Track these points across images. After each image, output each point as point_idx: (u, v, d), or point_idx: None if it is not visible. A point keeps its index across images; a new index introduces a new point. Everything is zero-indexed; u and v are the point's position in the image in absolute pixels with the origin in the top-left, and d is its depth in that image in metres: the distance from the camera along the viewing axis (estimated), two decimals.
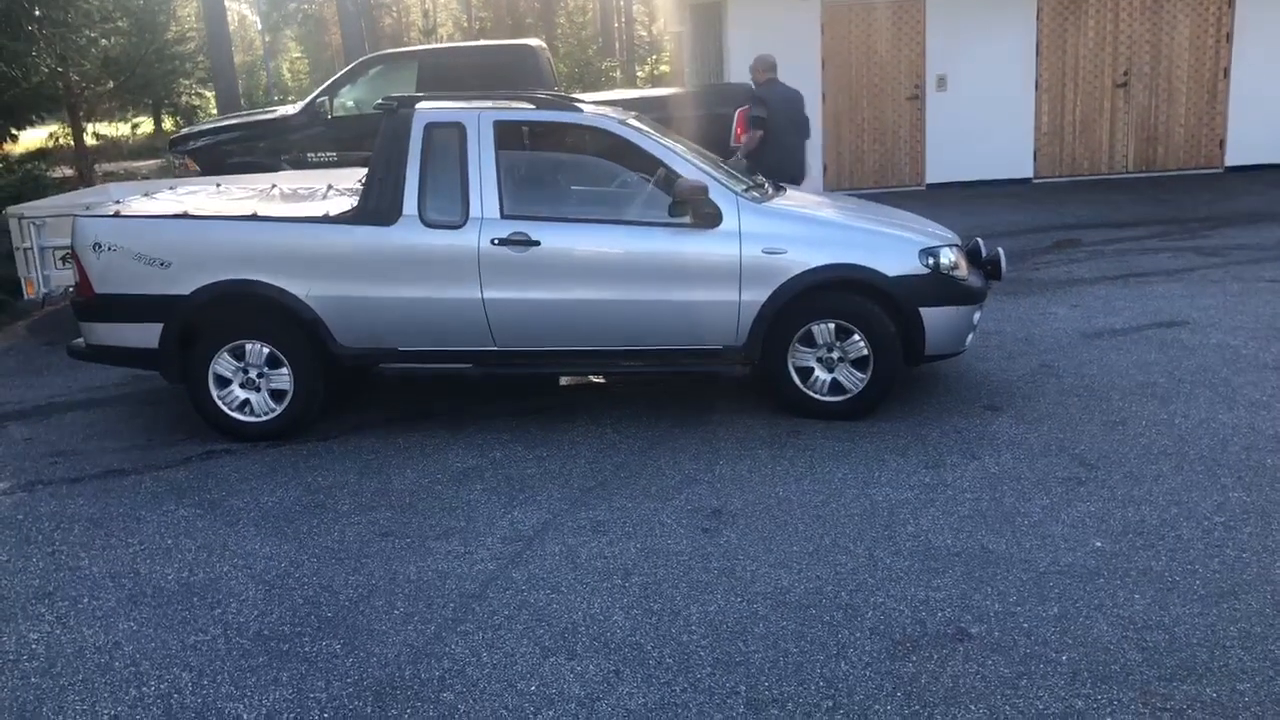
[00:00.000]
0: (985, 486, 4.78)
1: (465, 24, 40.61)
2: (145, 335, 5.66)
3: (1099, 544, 4.19)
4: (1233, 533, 4.23)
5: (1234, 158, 13.56)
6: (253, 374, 5.70)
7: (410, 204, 5.54)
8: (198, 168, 10.96)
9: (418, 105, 5.73)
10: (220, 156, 10.97)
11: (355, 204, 5.77)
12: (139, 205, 6.32)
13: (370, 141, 10.61)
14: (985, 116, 13.56)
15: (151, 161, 21.54)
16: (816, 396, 5.63)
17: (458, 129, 5.59)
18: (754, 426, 5.64)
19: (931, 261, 5.55)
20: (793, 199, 6.10)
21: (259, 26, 40.39)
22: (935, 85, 13.62)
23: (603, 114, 5.89)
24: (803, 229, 5.59)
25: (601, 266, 5.52)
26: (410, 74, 11.33)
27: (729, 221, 5.47)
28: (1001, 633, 3.60)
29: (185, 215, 5.83)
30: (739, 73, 13.24)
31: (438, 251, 5.51)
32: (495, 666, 3.54)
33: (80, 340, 5.95)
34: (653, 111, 10.75)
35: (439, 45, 13.81)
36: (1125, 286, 8.28)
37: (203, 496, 5.09)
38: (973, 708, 3.21)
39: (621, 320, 5.53)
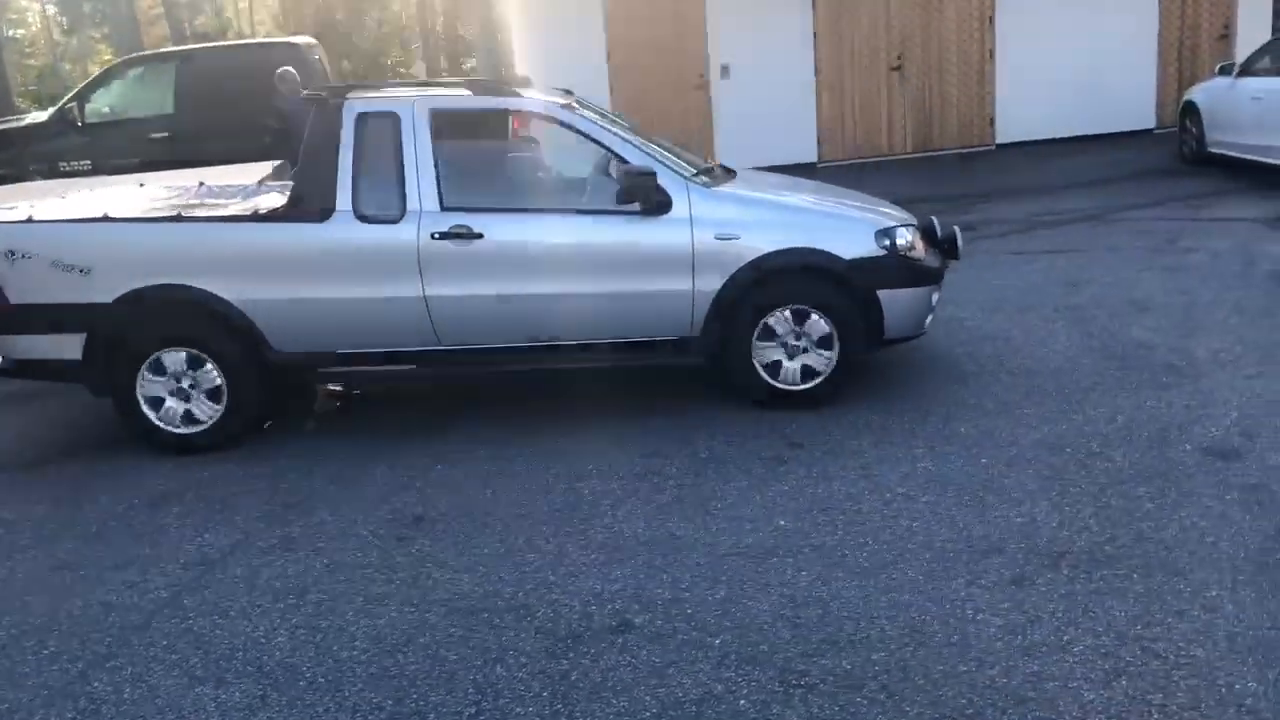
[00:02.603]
0: (690, 472, 4.81)
1: (283, 23, 39.34)
2: (67, 347, 5.30)
3: (782, 522, 4.26)
4: (910, 502, 4.36)
5: (1004, 135, 14.18)
6: (183, 383, 5.37)
7: (344, 199, 5.24)
8: None
9: (348, 95, 5.44)
10: None
11: (285, 201, 5.48)
12: (53, 208, 5.85)
13: (130, 147, 10.28)
14: (769, 103, 13.82)
15: None
16: (780, 384, 5.46)
17: (391, 119, 5.31)
18: (479, 429, 5.55)
19: (888, 243, 5.40)
20: (745, 182, 5.91)
21: (65, 27, 38.15)
22: (719, 74, 13.81)
23: (543, 99, 5.65)
24: (755, 213, 5.42)
25: (548, 258, 5.30)
26: (169, 77, 10.84)
27: (679, 207, 5.28)
28: (664, 621, 3.61)
29: (105, 218, 5.46)
30: (528, 68, 13.17)
31: (374, 248, 5.23)
32: (134, 702, 3.36)
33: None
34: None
35: (199, 46, 13.23)
36: None
37: None
38: (614, 701, 3.20)
39: (571, 313, 5.32)
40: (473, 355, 5.42)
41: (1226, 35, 14.18)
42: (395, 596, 3.91)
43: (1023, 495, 4.34)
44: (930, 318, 5.72)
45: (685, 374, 5.91)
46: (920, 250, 5.56)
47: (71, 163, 10.29)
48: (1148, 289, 7.22)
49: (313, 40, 11.76)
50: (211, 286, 5.23)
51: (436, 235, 5.22)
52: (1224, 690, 3.03)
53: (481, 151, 5.99)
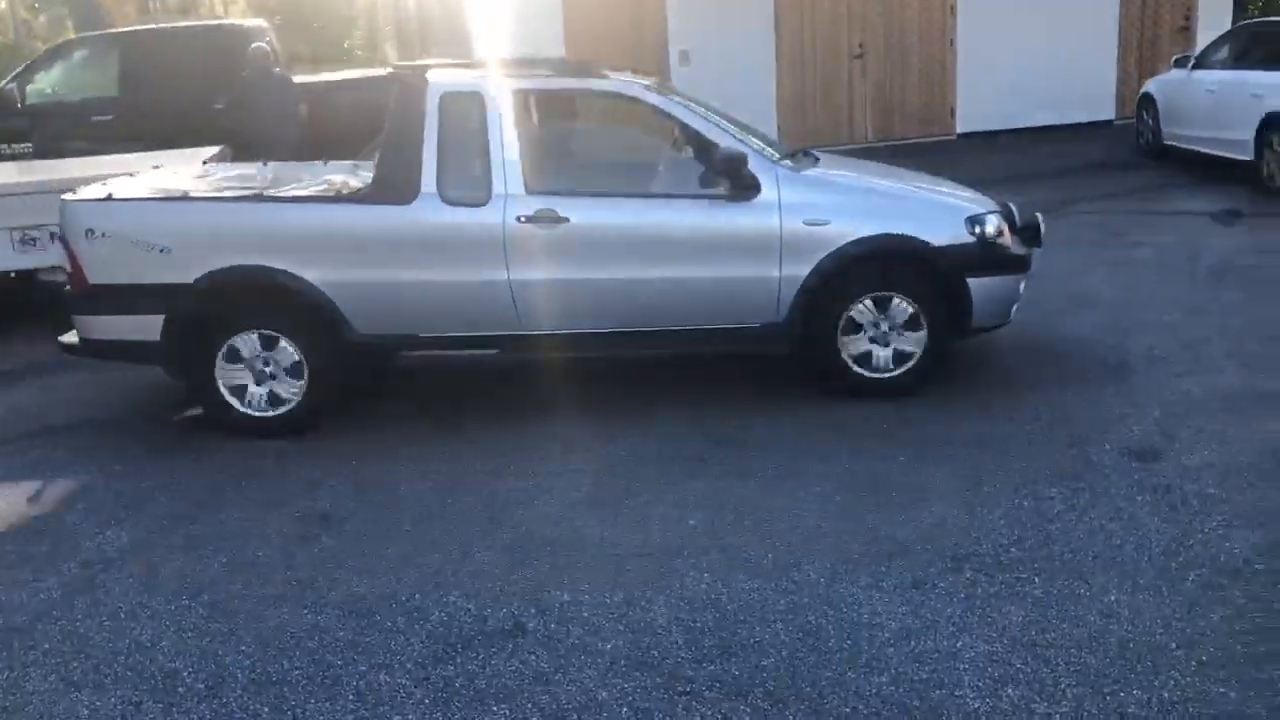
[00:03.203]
0: (608, 471, 4.75)
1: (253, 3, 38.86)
2: (145, 327, 5.18)
3: (693, 523, 4.20)
4: (825, 501, 4.31)
5: (964, 125, 14.15)
6: (262, 366, 5.26)
7: (429, 181, 5.13)
8: None
9: (429, 74, 5.31)
10: None
11: (368, 182, 5.39)
12: (129, 186, 5.70)
13: (72, 129, 10.08)
14: (729, 91, 13.57)
15: None
16: (867, 373, 5.33)
17: (476, 99, 5.21)
18: (403, 425, 5.47)
19: (978, 230, 5.27)
20: (830, 166, 5.79)
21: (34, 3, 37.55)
22: (679, 60, 13.70)
23: (629, 80, 5.54)
24: (845, 199, 5.31)
25: (634, 243, 5.20)
26: (113, 59, 10.64)
27: (768, 192, 5.16)
28: (558, 624, 3.54)
29: (186, 197, 5.39)
30: (485, 54, 13.02)
31: (460, 231, 5.14)
32: (4, 710, 3.26)
33: (71, 334, 5.45)
34: (357, 91, 10.50)
35: (146, 28, 13.00)
36: None
37: None
38: (496, 708, 3.13)
39: (654, 299, 5.22)
40: (555, 340, 5.35)
41: (1187, 27, 14.20)
42: (290, 598, 3.82)
43: (936, 495, 4.30)
44: (1016, 307, 5.57)
45: (631, 369, 5.85)
46: (1007, 237, 5.42)
47: (11, 145, 10.08)
48: (1090, 284, 7.20)
49: (263, 23, 11.56)
50: (294, 267, 5.13)
51: (523, 219, 5.11)
52: (1108, 699, 3.00)
53: (564, 133, 5.91)
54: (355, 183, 5.69)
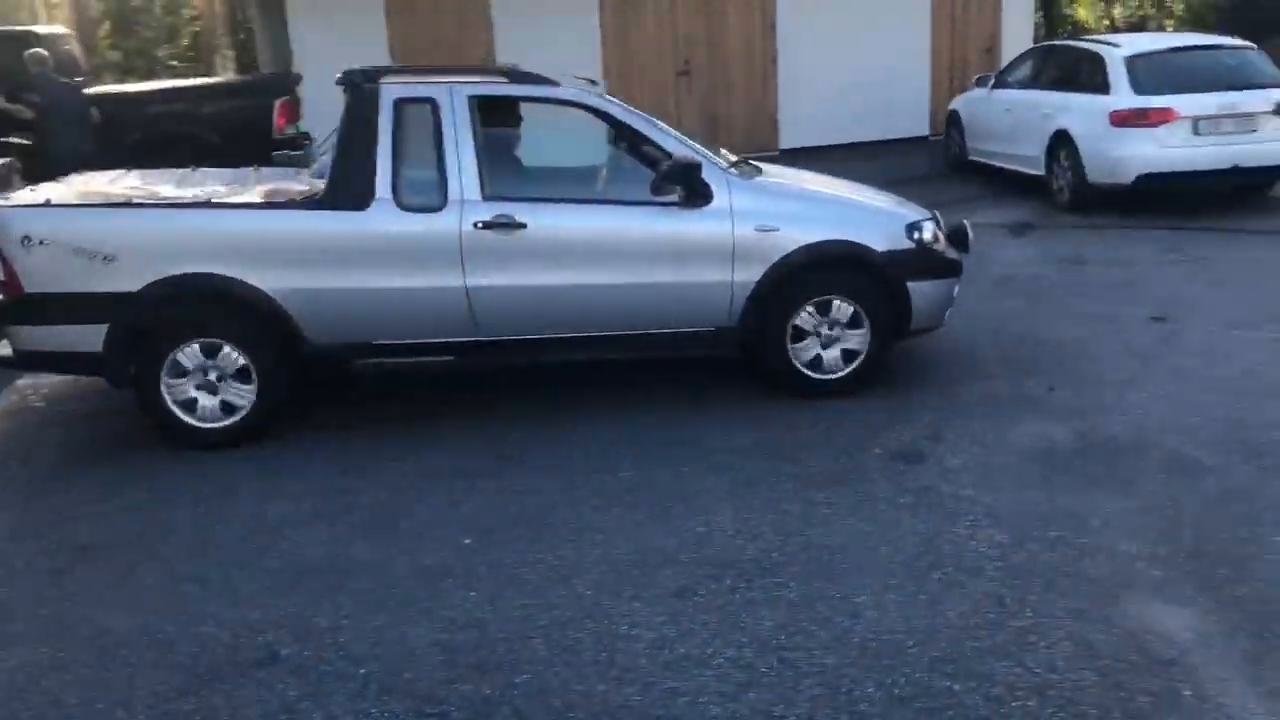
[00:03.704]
0: (388, 489, 4.67)
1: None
2: (87, 337, 4.97)
3: (468, 541, 4.17)
4: (601, 513, 4.34)
5: (787, 141, 14.52)
6: (212, 375, 5.08)
7: (383, 186, 5.07)
8: None
9: (382, 79, 5.25)
10: None
11: (321, 188, 5.27)
12: (69, 192, 5.51)
13: None
14: None
15: None
16: (814, 375, 5.48)
17: (430, 104, 5.17)
18: (174, 448, 5.27)
19: (916, 236, 5.46)
20: (776, 176, 5.90)
21: None
22: None
23: (582, 88, 5.59)
24: (793, 206, 5.44)
25: (591, 249, 5.24)
26: None
27: (720, 199, 5.25)
28: (314, 651, 3.46)
29: (131, 203, 5.26)
30: (305, 64, 12.73)
31: (417, 237, 5.09)
32: None
33: (5, 346, 5.21)
34: (177, 104, 10.16)
35: None
36: None
37: None
38: None
39: (611, 304, 5.26)
40: (511, 346, 5.35)
41: (992, 48, 14.92)
42: (33, 634, 3.63)
43: (710, 503, 4.38)
44: (949, 310, 5.78)
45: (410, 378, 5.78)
46: (942, 243, 5.65)
47: None
48: None
49: (63, 30, 11.04)
50: (246, 275, 5.00)
51: (480, 225, 5.10)
52: (843, 697, 3.10)
53: (517, 140, 5.97)
54: (301, 189, 5.62)
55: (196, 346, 5.06)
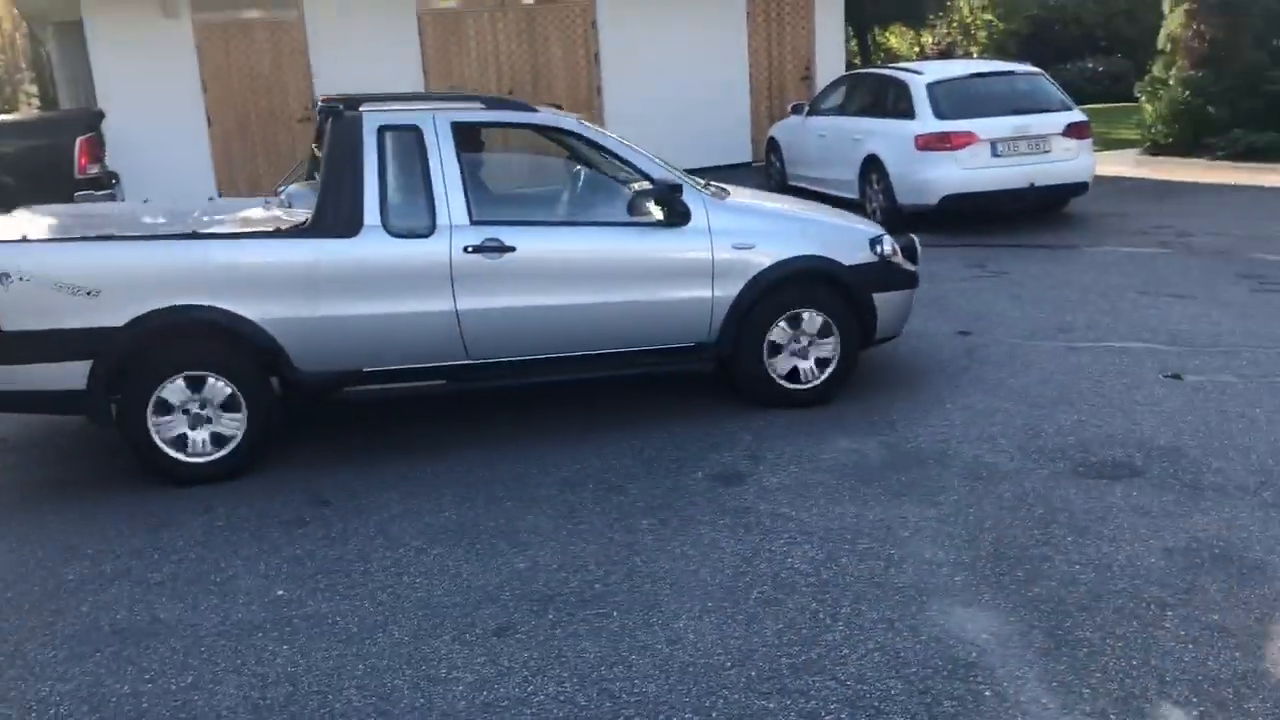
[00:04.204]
0: (198, 543, 4.47)
1: None
2: (69, 375, 4.82)
3: (281, 592, 4.03)
4: (422, 555, 4.26)
5: None
6: (198, 409, 4.99)
7: (372, 213, 5.09)
8: None
9: (361, 107, 5.25)
10: None
11: (307, 216, 5.22)
12: (38, 227, 5.40)
13: None
14: None
15: None
16: (788, 385, 5.70)
17: (414, 131, 5.22)
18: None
19: (879, 250, 5.78)
20: (745, 197, 6.14)
21: None
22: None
23: (560, 114, 5.76)
24: (765, 224, 5.70)
25: (577, 269, 5.36)
26: None
27: (698, 219, 5.44)
28: None
29: (114, 236, 5.16)
30: (109, 100, 12.23)
31: (408, 262, 5.12)
32: None
33: None
34: None
35: None
36: None
37: None
38: None
39: (598, 323, 5.39)
40: (499, 368, 5.38)
41: (808, 76, 15.50)
42: None
43: (533, 538, 4.36)
44: (906, 321, 6.14)
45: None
46: (899, 256, 5.93)
47: None
48: None
49: None
50: (234, 305, 4.93)
51: (469, 249, 5.16)
52: None
53: (498, 165, 6.05)
54: (278, 218, 5.59)
55: (182, 381, 4.97)
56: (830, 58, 15.55)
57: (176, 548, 4.44)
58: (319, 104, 5.44)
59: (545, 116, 5.75)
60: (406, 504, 4.75)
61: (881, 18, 28.79)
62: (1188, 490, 4.49)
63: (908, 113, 10.31)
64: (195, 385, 4.99)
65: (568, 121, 5.69)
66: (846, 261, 5.71)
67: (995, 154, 9.97)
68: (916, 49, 33.60)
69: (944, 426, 5.35)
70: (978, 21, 32.24)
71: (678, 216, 5.43)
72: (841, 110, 11.78)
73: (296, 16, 13.20)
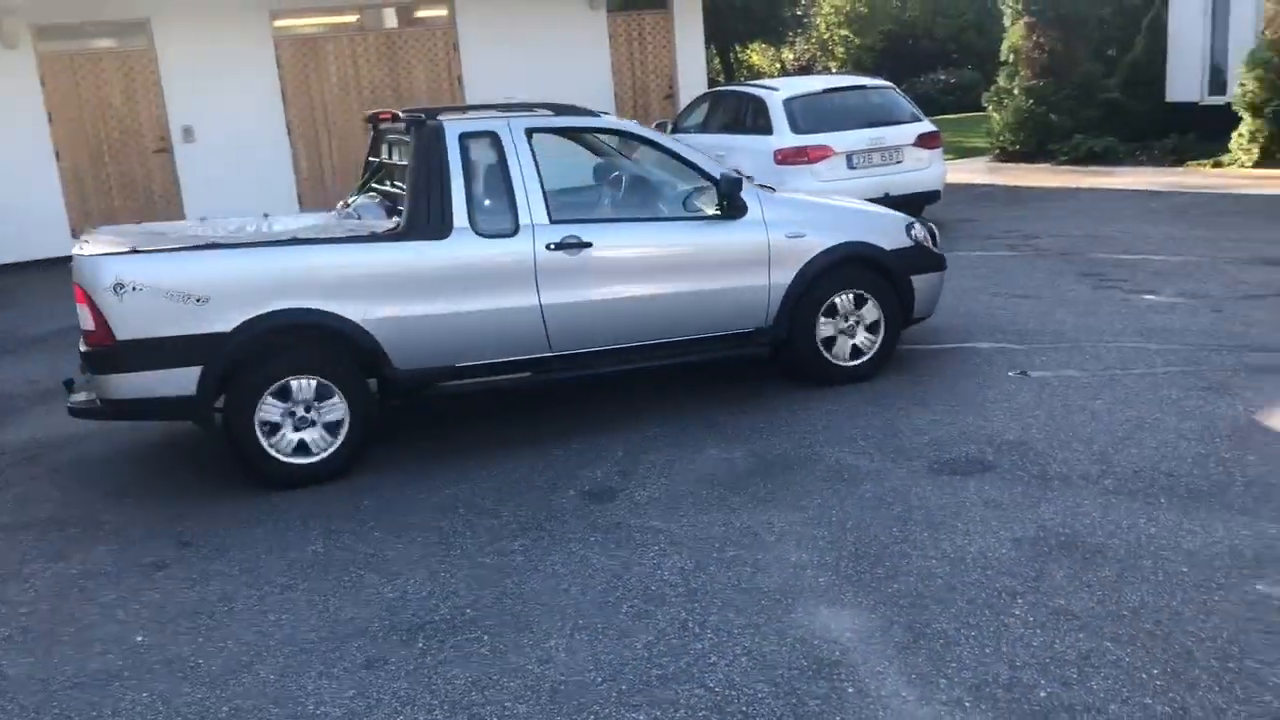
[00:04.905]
0: (51, 594, 4.30)
1: None
2: (179, 381, 4.94)
3: (140, 638, 3.90)
4: (288, 592, 4.17)
5: None
6: (303, 412, 5.14)
7: (460, 216, 5.35)
8: None
9: (440, 117, 5.55)
10: None
11: (398, 222, 5.45)
12: (143, 239, 5.43)
13: None
14: (240, 164, 13.24)
15: None
16: (839, 363, 6.14)
17: (492, 137, 5.51)
18: None
19: (913, 235, 6.26)
20: (787, 191, 6.66)
21: None
22: (182, 136, 13.04)
23: (620, 119, 6.34)
24: (812, 215, 6.13)
25: (648, 263, 5.74)
26: None
27: (754, 212, 5.82)
28: None
29: (217, 245, 5.26)
30: None
31: (496, 261, 5.40)
32: None
33: (82, 396, 5.24)
34: None
35: None
36: None
37: None
38: None
39: (666, 313, 5.72)
40: (578, 359, 5.62)
41: (671, 94, 15.72)
42: None
43: (403, 567, 4.32)
44: (937, 302, 6.60)
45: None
46: (929, 242, 6.39)
47: None
48: None
49: None
50: (336, 308, 5.10)
51: (551, 246, 5.44)
52: None
53: (570, 167, 6.44)
54: (351, 226, 5.80)
55: (289, 383, 5.11)
56: (692, 75, 15.80)
57: (25, 599, 4.26)
58: (400, 115, 5.75)
59: (610, 120, 6.28)
60: (271, 540, 4.65)
61: (742, 35, 29.39)
62: (1035, 481, 4.71)
63: (766, 128, 10.55)
64: (299, 389, 5.13)
65: (630, 124, 6.23)
66: (888, 246, 6.19)
67: (851, 166, 10.28)
68: (778, 65, 34.42)
69: (807, 431, 5.50)
70: (835, 38, 33.22)
71: (736, 210, 5.79)
72: (704, 128, 11.98)
73: (146, 45, 12.82)
